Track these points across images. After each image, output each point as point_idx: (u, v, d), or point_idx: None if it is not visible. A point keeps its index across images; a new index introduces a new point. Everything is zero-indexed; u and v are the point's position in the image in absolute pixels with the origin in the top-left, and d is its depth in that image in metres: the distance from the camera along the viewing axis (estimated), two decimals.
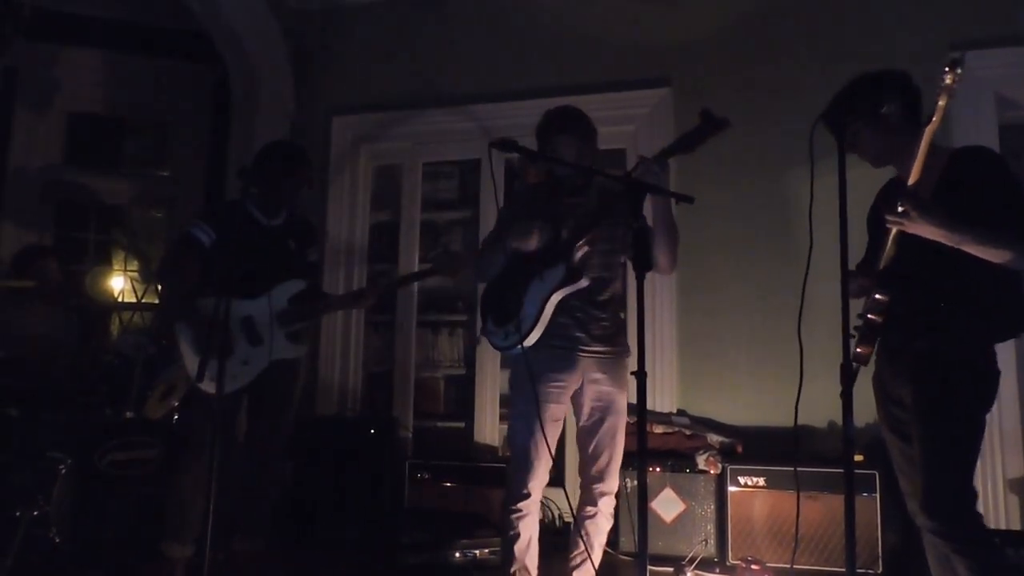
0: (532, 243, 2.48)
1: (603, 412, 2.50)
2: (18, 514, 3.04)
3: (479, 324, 2.85)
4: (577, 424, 2.58)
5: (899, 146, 2.06)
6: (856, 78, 2.13)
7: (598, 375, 2.49)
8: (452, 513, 3.65)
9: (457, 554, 3.27)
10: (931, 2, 3.83)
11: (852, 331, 2.10)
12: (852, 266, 1.82)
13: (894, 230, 1.96)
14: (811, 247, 2.00)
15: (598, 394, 2.50)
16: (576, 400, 2.55)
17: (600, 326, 2.50)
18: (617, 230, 2.51)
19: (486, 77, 4.47)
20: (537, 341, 2.44)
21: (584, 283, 2.46)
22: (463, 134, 4.50)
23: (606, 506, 2.51)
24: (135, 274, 5.18)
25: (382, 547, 3.54)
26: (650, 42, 4.23)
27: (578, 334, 2.47)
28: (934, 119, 1.80)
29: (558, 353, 2.46)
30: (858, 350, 2.10)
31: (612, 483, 2.51)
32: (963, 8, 3.77)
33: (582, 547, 2.47)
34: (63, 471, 3.22)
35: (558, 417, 2.52)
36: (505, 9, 4.52)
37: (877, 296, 2.03)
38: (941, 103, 1.77)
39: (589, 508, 2.50)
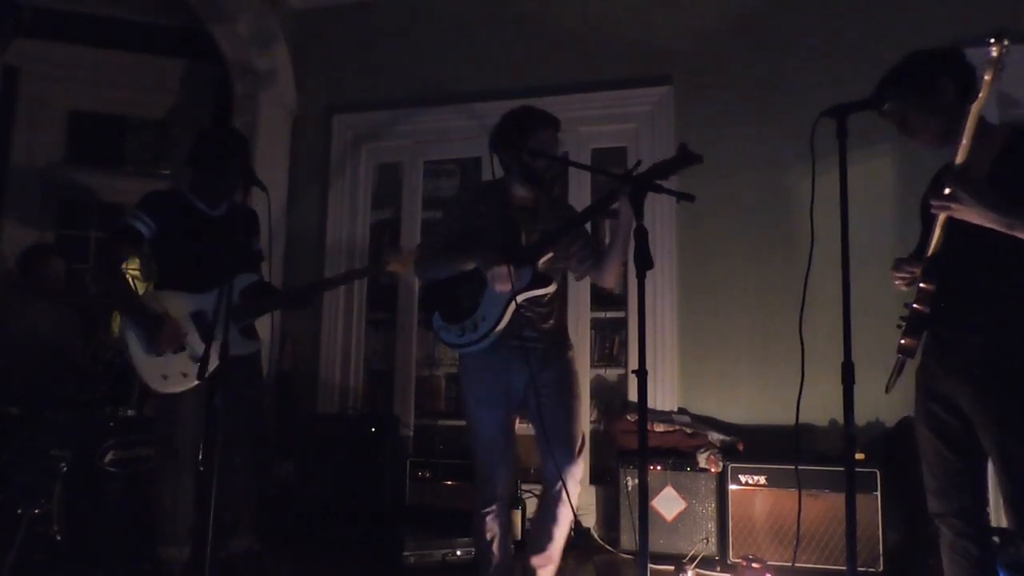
0: (503, 288, 2.43)
1: (552, 398, 2.52)
2: (20, 512, 3.04)
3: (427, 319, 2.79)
4: (535, 430, 2.55)
5: (954, 128, 1.90)
6: (907, 56, 2.02)
7: (542, 363, 2.52)
8: (453, 511, 3.65)
9: (458, 552, 3.27)
10: (932, 0, 3.83)
11: (900, 321, 2.05)
12: (853, 262, 1.79)
13: (942, 216, 1.88)
14: (812, 245, 1.99)
15: (545, 381, 2.52)
16: (528, 405, 2.56)
17: (548, 324, 2.58)
18: (572, 243, 2.61)
19: (487, 75, 4.47)
20: (494, 341, 2.48)
21: (552, 288, 2.52)
22: (464, 132, 4.50)
23: (571, 487, 2.47)
24: (136, 272, 5.18)
25: (383, 545, 3.54)
26: (651, 40, 4.23)
27: (528, 333, 2.51)
28: (981, 95, 1.74)
29: (511, 353, 2.49)
30: (902, 342, 2.03)
31: (576, 464, 2.51)
32: (965, 6, 3.76)
33: (547, 551, 2.53)
34: (64, 469, 3.22)
35: (514, 417, 2.59)
36: (506, 7, 4.51)
37: (922, 285, 1.96)
38: (988, 77, 1.71)
39: (556, 506, 2.49)
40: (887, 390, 2.07)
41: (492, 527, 2.53)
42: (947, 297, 1.96)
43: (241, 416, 2.90)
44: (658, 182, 2.18)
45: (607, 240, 2.58)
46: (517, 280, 2.43)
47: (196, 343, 2.79)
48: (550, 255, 2.50)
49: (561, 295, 2.71)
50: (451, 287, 2.57)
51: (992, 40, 1.69)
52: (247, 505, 3.00)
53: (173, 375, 2.76)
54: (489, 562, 2.55)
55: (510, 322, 2.47)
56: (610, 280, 2.60)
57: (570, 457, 2.49)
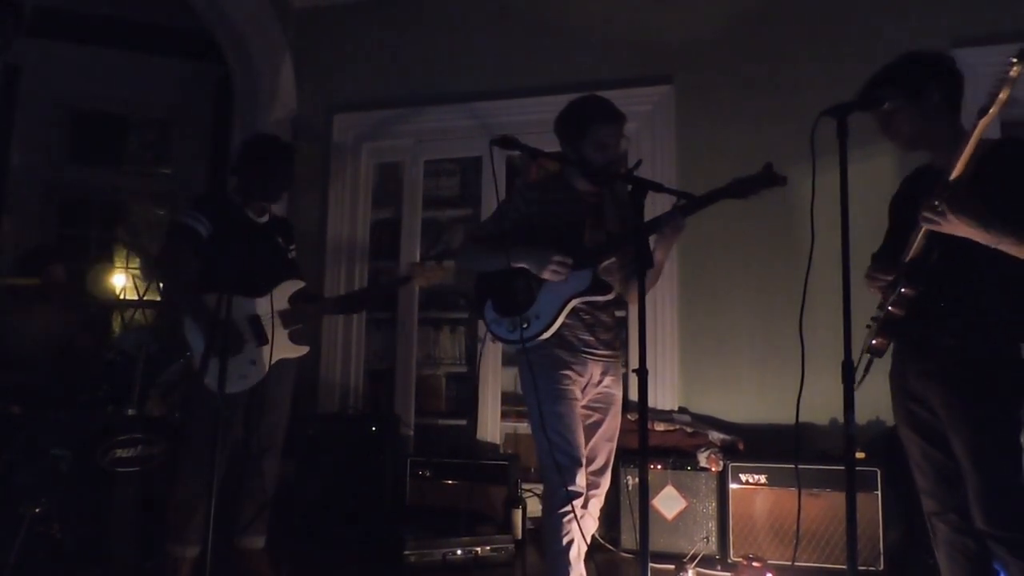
0: (562, 279, 2.35)
1: (603, 413, 2.47)
2: (21, 512, 3.04)
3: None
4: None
5: (936, 132, 2.00)
6: (903, 56, 2.05)
7: (600, 377, 2.47)
8: (454, 510, 3.65)
9: (459, 551, 3.27)
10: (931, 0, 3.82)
11: (869, 322, 2.07)
12: (853, 262, 1.79)
13: (927, 228, 1.89)
14: (812, 244, 1.99)
15: (599, 396, 2.47)
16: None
17: (605, 330, 2.48)
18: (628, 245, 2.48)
19: (487, 74, 4.47)
20: (546, 343, 2.39)
21: (611, 296, 2.44)
22: (464, 131, 4.50)
23: (594, 508, 2.45)
24: (137, 271, 5.19)
25: (383, 544, 3.54)
26: (652, 39, 4.23)
27: (586, 337, 2.43)
28: (991, 111, 1.72)
29: (570, 353, 2.41)
30: (873, 342, 2.06)
31: (604, 486, 2.47)
32: (964, 5, 3.76)
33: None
34: (65, 469, 3.22)
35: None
36: (506, 6, 4.51)
37: (903, 290, 1.97)
38: (1003, 96, 1.68)
39: (578, 511, 2.35)
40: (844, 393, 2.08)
41: (569, 530, 2.27)
42: (922, 300, 1.98)
43: (274, 419, 2.98)
44: (658, 182, 2.18)
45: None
46: (576, 282, 2.35)
47: (252, 346, 2.89)
48: (612, 259, 2.41)
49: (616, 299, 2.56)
50: (507, 276, 2.44)
51: (1014, 60, 1.65)
52: (265, 506, 3.03)
53: (232, 377, 2.77)
54: (566, 571, 2.28)
55: (569, 324, 2.39)
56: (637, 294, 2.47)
57: (606, 481, 2.45)
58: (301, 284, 3.10)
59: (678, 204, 2.30)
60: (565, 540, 2.27)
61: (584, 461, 2.33)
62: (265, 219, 3.08)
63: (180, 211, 3.00)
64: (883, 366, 2.17)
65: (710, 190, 2.30)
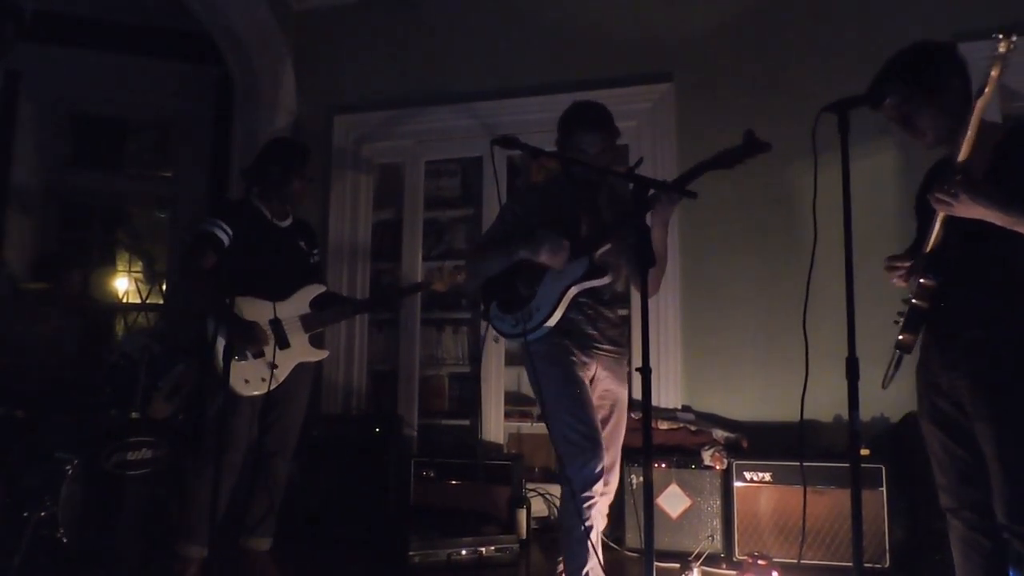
0: (559, 261, 2.40)
1: (609, 410, 2.48)
2: (26, 515, 3.05)
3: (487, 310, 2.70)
4: None
5: (957, 128, 1.91)
6: (907, 50, 1.99)
7: (605, 373, 2.48)
8: (457, 511, 3.65)
9: (463, 551, 3.27)
10: None
11: (896, 317, 2.05)
12: (856, 258, 1.78)
13: (942, 212, 1.88)
14: (815, 240, 1.99)
15: (604, 392, 2.49)
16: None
17: (610, 326, 2.50)
18: (627, 237, 2.50)
19: (488, 74, 4.47)
20: (550, 333, 2.42)
21: (607, 280, 2.45)
22: (465, 132, 4.50)
23: (603, 505, 2.44)
24: (139, 275, 5.19)
25: (387, 545, 3.55)
26: (652, 37, 4.23)
27: (590, 331, 2.46)
28: (986, 91, 1.70)
29: (575, 346, 2.43)
30: (900, 337, 2.04)
31: (613, 484, 2.47)
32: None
33: None
34: (70, 472, 3.23)
35: None
36: (505, 6, 4.51)
37: (922, 281, 1.96)
38: (994, 73, 1.67)
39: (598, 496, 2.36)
40: (884, 385, 2.08)
41: (590, 515, 2.25)
42: (946, 292, 1.97)
43: (288, 422, 3.00)
44: (657, 179, 2.17)
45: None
46: (572, 271, 2.39)
47: (273, 350, 2.92)
48: (607, 247, 2.43)
49: (620, 295, 2.58)
50: (510, 277, 2.49)
51: (1000, 36, 1.66)
52: (273, 507, 3.04)
53: (253, 379, 2.85)
54: (584, 558, 2.26)
55: (571, 318, 2.42)
56: (649, 289, 2.24)
57: (614, 479, 2.46)
58: (322, 288, 3.14)
59: (665, 182, 2.29)
60: (586, 525, 2.25)
61: (604, 442, 2.33)
62: (287, 223, 3.10)
63: (201, 219, 3.03)
64: (909, 362, 2.16)
65: (696, 163, 2.27)
